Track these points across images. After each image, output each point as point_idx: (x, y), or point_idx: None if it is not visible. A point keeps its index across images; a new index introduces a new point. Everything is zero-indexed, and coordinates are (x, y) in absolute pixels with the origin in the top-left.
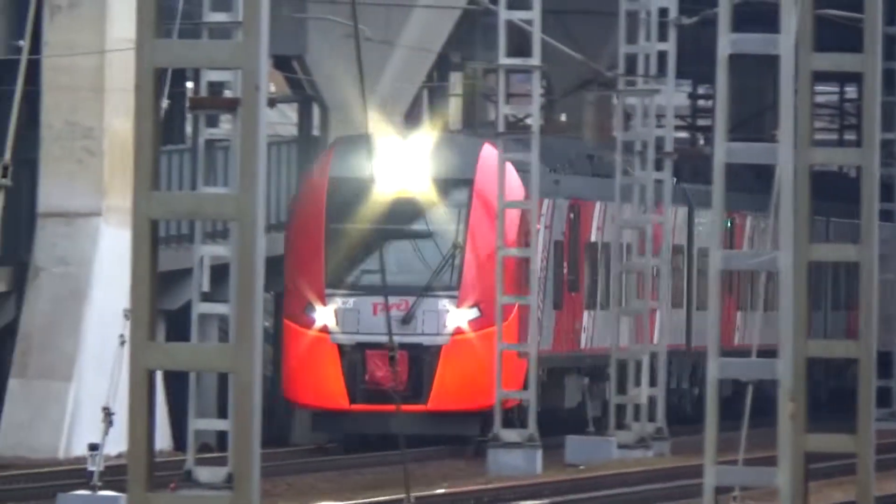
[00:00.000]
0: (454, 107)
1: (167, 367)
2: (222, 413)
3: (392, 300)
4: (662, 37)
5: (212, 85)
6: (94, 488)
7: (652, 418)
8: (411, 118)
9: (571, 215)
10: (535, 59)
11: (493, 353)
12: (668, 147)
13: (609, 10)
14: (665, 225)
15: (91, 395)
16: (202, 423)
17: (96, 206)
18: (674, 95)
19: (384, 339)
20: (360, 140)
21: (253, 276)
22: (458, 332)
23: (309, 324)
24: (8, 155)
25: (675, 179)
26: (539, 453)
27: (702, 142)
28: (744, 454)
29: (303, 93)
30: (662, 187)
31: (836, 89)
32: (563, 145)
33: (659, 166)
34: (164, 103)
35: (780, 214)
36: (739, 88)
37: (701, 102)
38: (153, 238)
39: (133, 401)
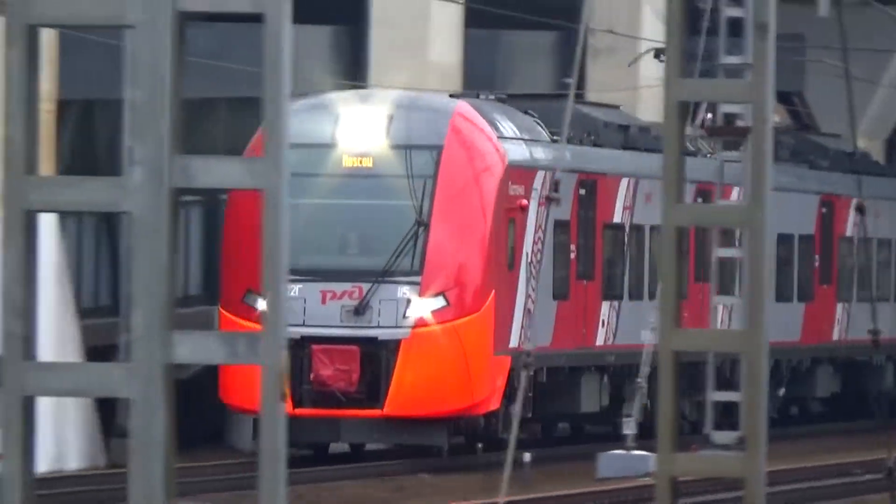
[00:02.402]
0: None
1: (690, 349)
2: None
3: (343, 287)
4: None
5: (726, 115)
6: (628, 448)
7: None
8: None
9: (582, 191)
10: None
11: (462, 349)
12: None
13: None
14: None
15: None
16: (717, 395)
17: None
18: None
19: (333, 332)
20: (316, 102)
21: (761, 273)
22: (421, 324)
23: (247, 314)
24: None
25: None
26: None
27: None
28: None
29: (801, 123)
30: None
31: None
32: (587, 112)
33: None
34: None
35: None
36: None
37: None
38: (679, 244)
39: (663, 381)
